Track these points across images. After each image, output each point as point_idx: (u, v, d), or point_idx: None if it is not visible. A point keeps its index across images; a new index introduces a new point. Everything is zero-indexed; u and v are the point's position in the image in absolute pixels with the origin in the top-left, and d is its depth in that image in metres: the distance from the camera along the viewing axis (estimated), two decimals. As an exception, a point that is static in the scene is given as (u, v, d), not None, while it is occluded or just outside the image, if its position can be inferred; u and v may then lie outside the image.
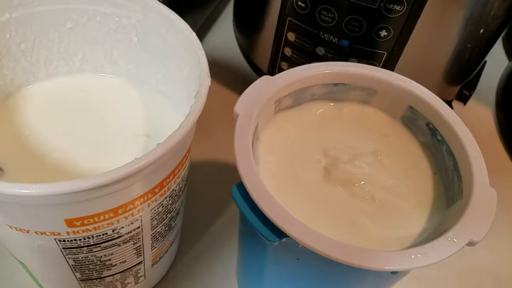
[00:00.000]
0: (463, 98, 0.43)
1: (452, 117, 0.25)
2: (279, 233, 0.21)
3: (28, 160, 0.26)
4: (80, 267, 0.25)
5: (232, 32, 0.47)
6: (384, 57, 0.35)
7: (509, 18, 0.39)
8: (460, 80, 0.42)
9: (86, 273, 0.26)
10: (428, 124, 0.26)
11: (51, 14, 0.27)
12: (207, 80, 0.23)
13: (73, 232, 0.22)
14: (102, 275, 0.27)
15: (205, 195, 0.39)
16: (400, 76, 0.27)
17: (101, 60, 0.30)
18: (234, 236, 0.36)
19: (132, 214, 0.23)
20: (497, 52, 0.54)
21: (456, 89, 0.42)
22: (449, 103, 0.42)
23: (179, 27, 0.25)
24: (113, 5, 0.27)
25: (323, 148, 0.26)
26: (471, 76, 0.43)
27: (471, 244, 0.21)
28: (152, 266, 0.30)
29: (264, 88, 0.25)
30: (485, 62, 0.43)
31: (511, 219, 0.41)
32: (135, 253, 0.26)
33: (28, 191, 0.18)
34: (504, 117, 0.48)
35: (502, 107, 0.48)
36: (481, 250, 0.38)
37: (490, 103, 0.50)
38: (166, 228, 0.28)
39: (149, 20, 0.27)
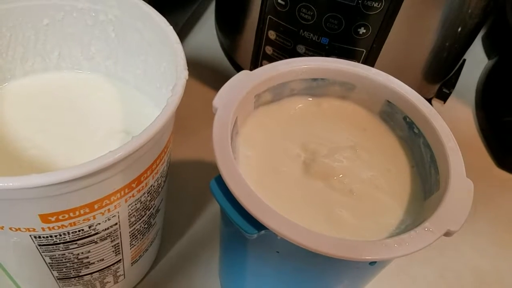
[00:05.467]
0: (443, 96, 0.43)
1: (428, 110, 0.25)
2: (258, 225, 0.21)
3: (4, 158, 0.26)
4: (57, 265, 0.25)
5: (214, 32, 0.47)
6: (363, 55, 0.35)
7: (486, 18, 0.40)
8: (439, 78, 0.42)
9: (64, 272, 0.26)
10: (405, 117, 0.26)
11: (27, 10, 0.27)
12: (184, 73, 0.23)
13: (49, 228, 0.22)
14: (80, 274, 0.26)
15: (188, 193, 0.38)
16: (378, 71, 0.27)
17: (79, 57, 0.30)
18: (216, 235, 0.36)
19: (108, 209, 0.23)
20: (477, 52, 0.54)
21: (435, 87, 0.43)
22: (429, 101, 0.42)
23: (155, 21, 0.25)
24: (89, 0, 0.27)
25: (303, 143, 0.26)
26: (450, 74, 0.43)
27: (448, 234, 0.21)
28: (132, 265, 0.29)
29: (243, 82, 0.25)
30: (464, 60, 0.44)
31: (491, 216, 0.41)
32: (113, 251, 0.26)
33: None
34: (484, 116, 0.48)
35: (482, 106, 0.49)
36: (461, 246, 0.39)
37: (469, 102, 0.51)
38: (146, 226, 0.27)
39: (125, 15, 0.27)
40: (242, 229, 0.21)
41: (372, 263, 0.22)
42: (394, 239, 0.20)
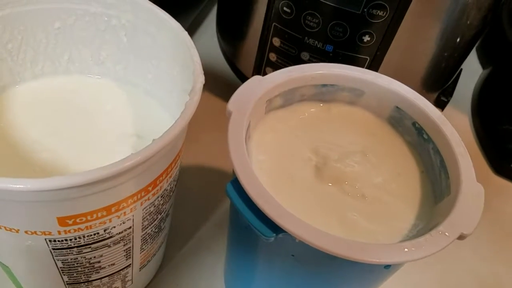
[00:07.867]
0: (441, 104, 0.44)
1: (437, 116, 0.26)
2: (276, 229, 0.21)
3: (16, 161, 0.26)
4: (69, 270, 0.25)
5: (216, 39, 0.47)
6: (367, 62, 0.36)
7: (484, 28, 0.41)
8: (438, 87, 0.43)
9: (74, 276, 0.25)
10: (414, 123, 0.27)
11: (39, 14, 0.27)
12: (201, 77, 0.23)
13: (65, 231, 0.21)
14: (90, 279, 0.26)
15: (191, 199, 0.38)
16: (387, 77, 0.28)
17: (88, 61, 0.30)
18: (221, 240, 0.36)
19: (124, 213, 0.23)
20: (472, 62, 0.56)
21: (434, 95, 0.43)
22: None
23: (170, 27, 0.25)
24: (102, 5, 0.27)
25: (313, 147, 0.27)
26: (448, 83, 0.44)
27: (462, 237, 0.21)
28: (140, 270, 0.29)
29: (256, 87, 0.26)
30: (461, 70, 0.45)
31: (490, 221, 0.42)
32: (124, 256, 0.26)
33: (22, 186, 0.18)
34: (480, 124, 0.49)
35: (478, 114, 0.50)
36: (461, 251, 0.39)
37: (466, 110, 0.52)
38: (156, 230, 0.27)
39: (139, 20, 0.27)
40: (260, 232, 0.21)
41: (387, 266, 0.22)
42: (411, 243, 0.21)
